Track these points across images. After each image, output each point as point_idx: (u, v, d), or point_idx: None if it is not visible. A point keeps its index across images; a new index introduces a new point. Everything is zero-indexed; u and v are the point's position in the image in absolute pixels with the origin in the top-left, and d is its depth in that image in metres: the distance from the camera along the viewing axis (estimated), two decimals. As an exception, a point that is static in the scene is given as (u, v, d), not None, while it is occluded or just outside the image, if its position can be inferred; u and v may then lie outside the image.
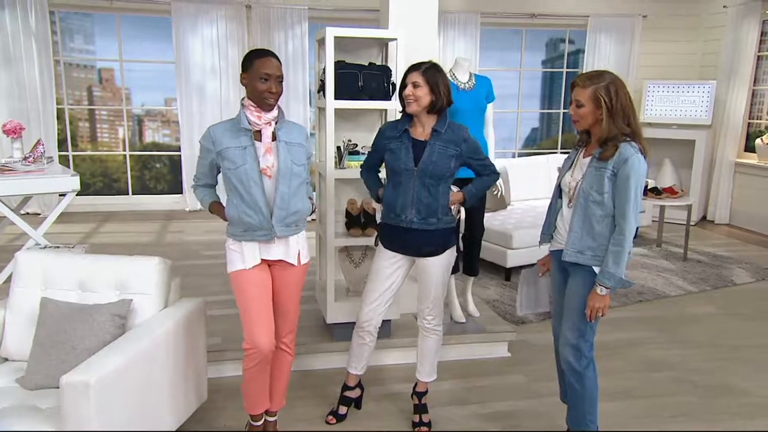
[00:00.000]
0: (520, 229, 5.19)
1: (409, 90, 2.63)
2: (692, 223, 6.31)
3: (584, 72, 2.46)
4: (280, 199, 2.45)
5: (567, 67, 8.62)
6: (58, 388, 2.26)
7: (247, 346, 2.51)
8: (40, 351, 2.38)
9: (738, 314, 4.63)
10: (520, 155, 8.58)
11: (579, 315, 2.45)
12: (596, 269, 2.40)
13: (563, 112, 8.74)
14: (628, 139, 2.33)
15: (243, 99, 2.47)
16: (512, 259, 5.16)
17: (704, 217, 7.89)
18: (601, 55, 8.14)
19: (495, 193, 4.07)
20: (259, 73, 2.37)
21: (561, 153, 8.24)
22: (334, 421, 2.99)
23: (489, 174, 2.83)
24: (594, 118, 2.37)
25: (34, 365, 2.37)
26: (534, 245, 5.15)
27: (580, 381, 2.51)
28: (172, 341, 2.52)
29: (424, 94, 2.62)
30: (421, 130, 2.70)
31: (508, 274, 5.23)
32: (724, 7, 7.54)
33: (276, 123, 2.48)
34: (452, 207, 2.78)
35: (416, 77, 2.63)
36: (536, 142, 9.12)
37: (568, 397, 2.63)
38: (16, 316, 2.59)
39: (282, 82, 2.44)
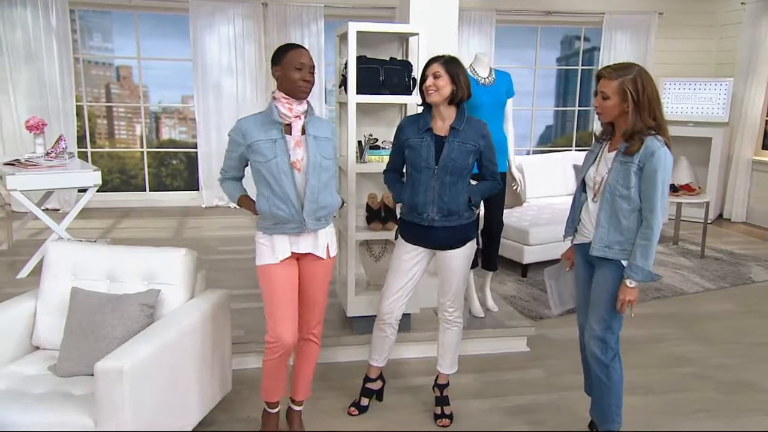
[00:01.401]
0: (536, 226, 5.20)
1: (430, 81, 2.66)
2: (709, 221, 6.28)
3: (610, 63, 2.44)
4: (310, 192, 2.47)
5: (582, 65, 8.60)
6: (89, 375, 2.33)
7: (270, 339, 2.54)
8: (72, 340, 2.43)
9: (757, 312, 4.61)
10: (535, 152, 8.57)
11: (606, 307, 2.46)
12: (624, 263, 2.40)
13: (578, 110, 8.73)
14: (653, 132, 2.32)
15: (273, 92, 2.50)
16: (529, 256, 5.16)
17: (720, 215, 7.85)
18: (616, 52, 8.11)
19: (514, 187, 4.07)
20: (294, 63, 2.42)
21: (576, 150, 8.22)
22: (356, 412, 3.02)
23: (493, 180, 2.84)
24: (619, 110, 2.35)
25: (65, 353, 2.42)
26: (550, 242, 5.19)
27: (606, 373, 2.52)
28: (199, 331, 2.56)
29: (445, 84, 2.65)
30: (441, 124, 2.73)
31: (524, 270, 5.24)
32: (741, 3, 7.49)
33: (305, 117, 2.51)
34: None
35: (437, 68, 2.66)
36: (551, 140, 9.11)
37: (594, 389, 2.64)
38: (46, 306, 2.64)
39: (314, 73, 2.49)
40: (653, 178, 2.29)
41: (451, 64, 2.67)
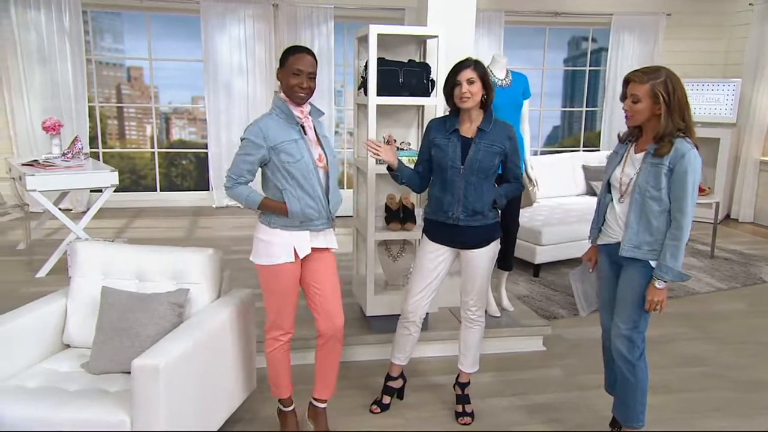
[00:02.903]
0: (548, 226, 5.23)
1: (465, 87, 2.68)
2: (717, 222, 6.30)
3: (638, 68, 2.47)
4: (332, 188, 2.57)
5: (589, 66, 8.64)
6: (122, 372, 2.38)
7: (272, 329, 2.65)
8: (104, 338, 2.47)
9: (769, 311, 4.65)
10: (542, 153, 8.61)
11: (634, 307, 2.49)
12: (652, 263, 2.44)
13: (585, 110, 8.76)
14: (681, 134, 2.36)
15: (279, 93, 2.54)
16: (541, 256, 5.20)
17: (728, 216, 7.88)
18: (624, 53, 8.15)
19: (531, 188, 4.11)
20: (292, 69, 2.45)
21: (584, 151, 8.26)
22: (378, 410, 3.06)
23: (516, 181, 2.88)
24: (650, 113, 2.37)
25: (98, 351, 2.46)
26: (562, 242, 5.22)
27: (632, 372, 2.56)
28: (228, 330, 2.61)
29: (478, 90, 2.68)
30: (468, 126, 2.77)
31: (536, 270, 5.27)
32: (750, 4, 7.52)
33: (311, 116, 2.58)
34: None
35: (470, 73, 2.67)
36: (558, 140, 9.15)
37: (618, 388, 2.67)
38: (77, 305, 2.68)
39: (314, 78, 2.50)
40: (684, 179, 2.32)
41: (480, 67, 2.70)
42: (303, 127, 2.53)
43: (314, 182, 2.50)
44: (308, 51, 2.51)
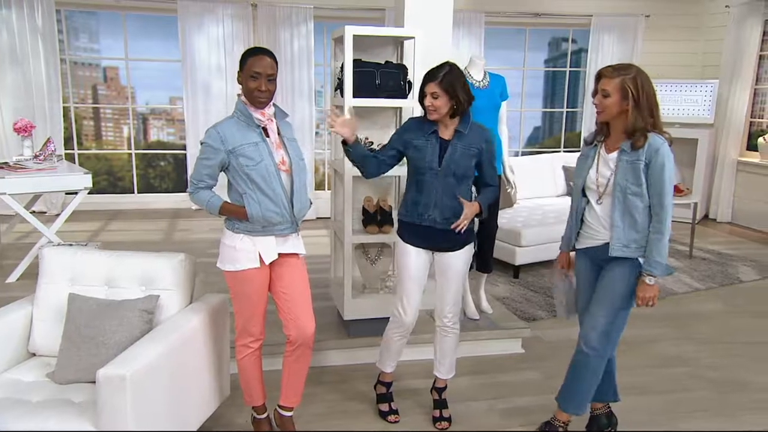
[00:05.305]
0: (529, 228, 5.23)
1: (428, 101, 2.65)
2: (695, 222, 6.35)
3: (607, 64, 2.49)
4: (297, 192, 2.50)
5: (570, 66, 8.67)
6: (89, 382, 2.31)
7: (241, 335, 2.62)
8: (70, 346, 2.40)
9: (747, 311, 4.67)
10: (523, 154, 8.62)
11: (617, 303, 2.49)
12: (640, 260, 2.44)
13: (566, 111, 8.79)
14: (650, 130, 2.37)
15: (239, 95, 2.49)
16: (521, 257, 5.19)
17: (706, 216, 7.94)
18: (603, 54, 8.18)
19: (509, 190, 4.09)
20: (250, 72, 2.39)
21: (564, 152, 8.28)
22: (398, 417, 3.03)
23: (491, 185, 2.83)
24: (619, 109, 2.39)
25: (64, 360, 2.39)
26: (542, 243, 5.22)
27: (599, 363, 2.57)
28: (200, 336, 2.54)
29: (443, 104, 2.64)
30: (445, 129, 2.74)
31: (516, 271, 5.26)
32: (726, 6, 7.59)
33: (275, 118, 2.52)
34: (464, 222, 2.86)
35: (434, 88, 2.63)
36: (538, 141, 9.17)
37: (574, 374, 2.65)
38: (43, 312, 2.60)
39: (274, 80, 2.44)
40: (661, 173, 2.35)
41: (447, 79, 2.61)
42: (265, 130, 2.48)
43: (276, 186, 2.43)
44: (267, 52, 2.44)
